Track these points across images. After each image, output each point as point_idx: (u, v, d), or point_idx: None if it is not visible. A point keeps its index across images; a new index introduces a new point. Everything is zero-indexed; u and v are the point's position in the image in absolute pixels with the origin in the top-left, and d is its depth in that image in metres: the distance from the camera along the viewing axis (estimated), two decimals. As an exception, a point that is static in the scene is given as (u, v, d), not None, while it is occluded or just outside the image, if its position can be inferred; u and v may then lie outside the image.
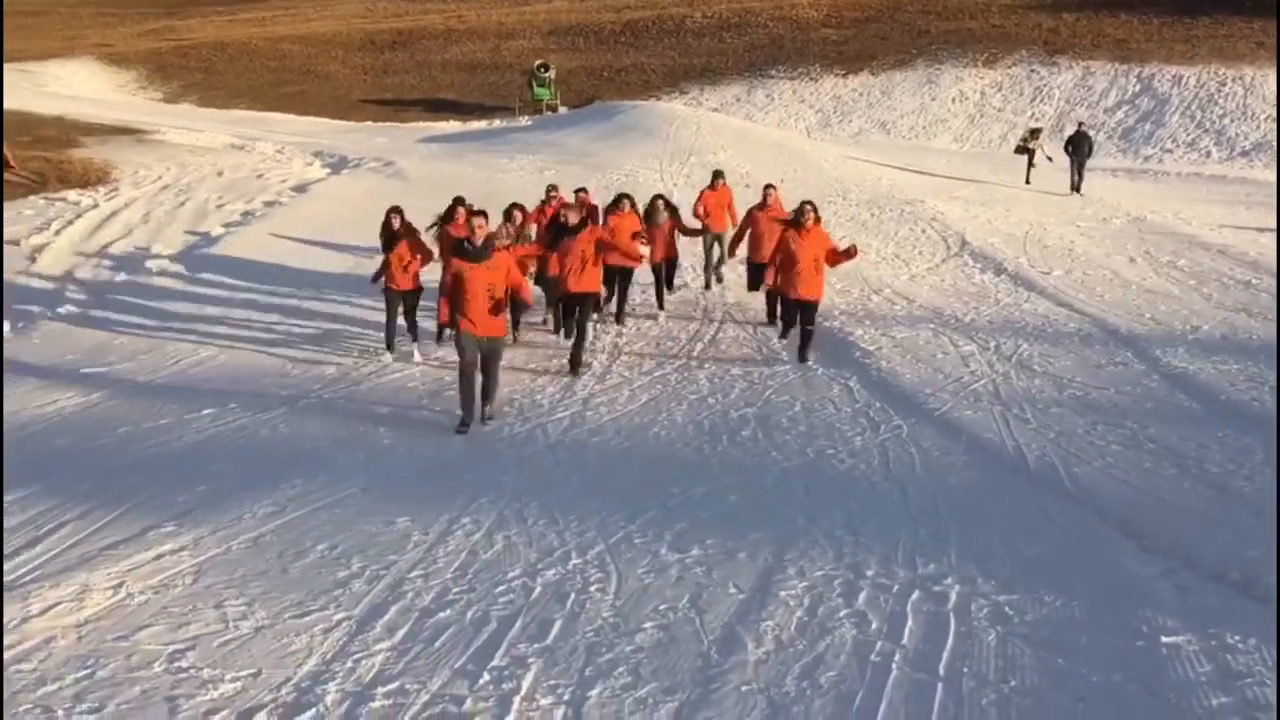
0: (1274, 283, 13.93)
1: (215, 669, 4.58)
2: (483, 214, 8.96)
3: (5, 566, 5.68)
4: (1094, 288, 14.27)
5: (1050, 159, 24.08)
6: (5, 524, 6.32)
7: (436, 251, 11.33)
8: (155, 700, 4.32)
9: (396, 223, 11.31)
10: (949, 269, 15.48)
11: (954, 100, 36.12)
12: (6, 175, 19.66)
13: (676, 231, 13.17)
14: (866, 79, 38.57)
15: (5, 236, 16.14)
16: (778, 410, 8.76)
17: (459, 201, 12.17)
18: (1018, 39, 38.59)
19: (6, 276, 14.07)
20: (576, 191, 13.91)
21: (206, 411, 8.90)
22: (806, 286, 10.27)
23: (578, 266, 10.28)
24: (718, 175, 14.89)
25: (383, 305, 11.16)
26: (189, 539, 6.06)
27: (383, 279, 11.09)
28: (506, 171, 22.73)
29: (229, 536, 6.11)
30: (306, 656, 4.70)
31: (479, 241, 8.41)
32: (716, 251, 14.35)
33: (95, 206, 18.40)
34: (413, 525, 6.27)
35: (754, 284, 12.76)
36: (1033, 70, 36.70)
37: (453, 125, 37.23)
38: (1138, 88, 34.04)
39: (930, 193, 21.66)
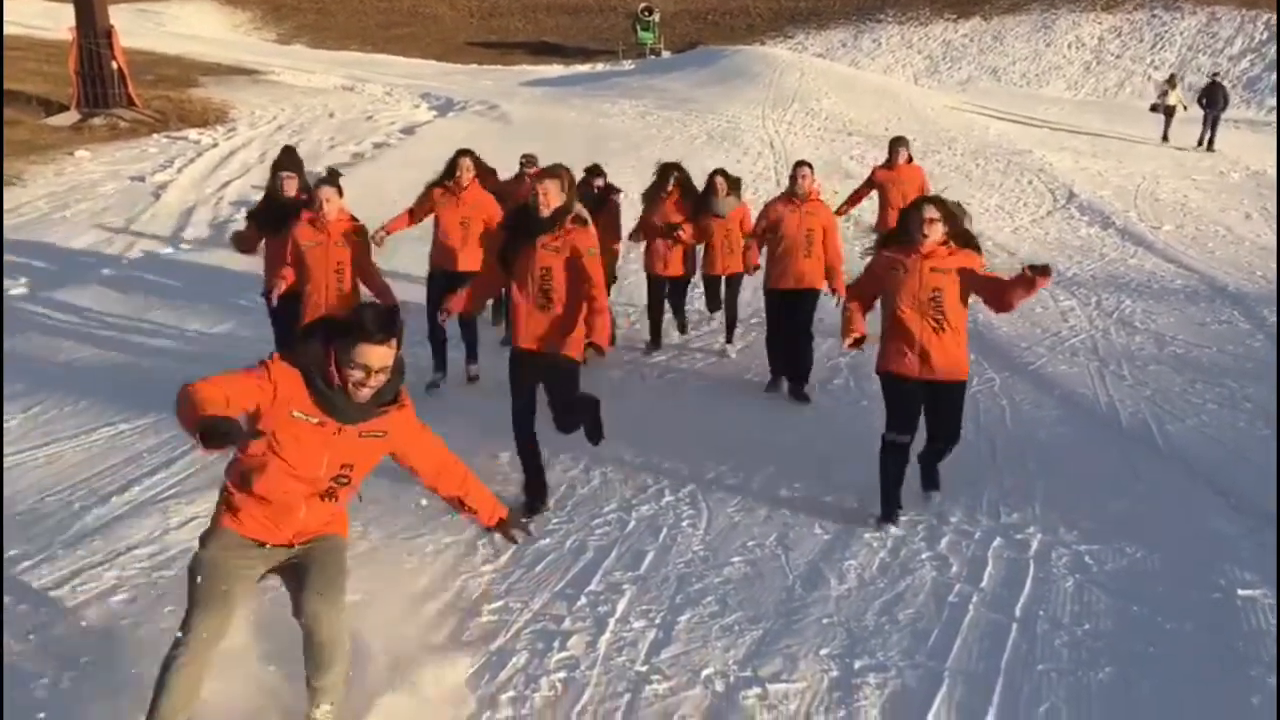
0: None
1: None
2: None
3: (146, 482, 6.19)
4: (1205, 244, 13.97)
5: (1185, 108, 23.22)
6: (145, 443, 6.84)
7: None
8: (280, 609, 4.73)
9: (292, 189, 7.69)
10: (1054, 222, 15.27)
11: (1069, 46, 35.09)
12: (133, 113, 20.53)
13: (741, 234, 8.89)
14: (978, 24, 37.64)
15: (131, 172, 16.94)
16: (868, 362, 8.84)
17: (464, 152, 8.38)
18: (1140, -18, 37.19)
19: (133, 212, 14.81)
20: (523, 161, 10.13)
21: (322, 346, 9.35)
22: (931, 355, 5.50)
23: (532, 300, 5.76)
24: (899, 145, 10.45)
25: None
26: (309, 464, 6.47)
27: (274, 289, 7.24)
28: (609, 116, 22.88)
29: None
30: (418, 575, 5.07)
31: (369, 324, 3.44)
32: None
33: (215, 145, 19.11)
34: (516, 459, 6.59)
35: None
36: (1154, 15, 35.41)
37: (556, 69, 37.42)
38: (1265, 35, 32.65)
39: (1039, 143, 21.23)
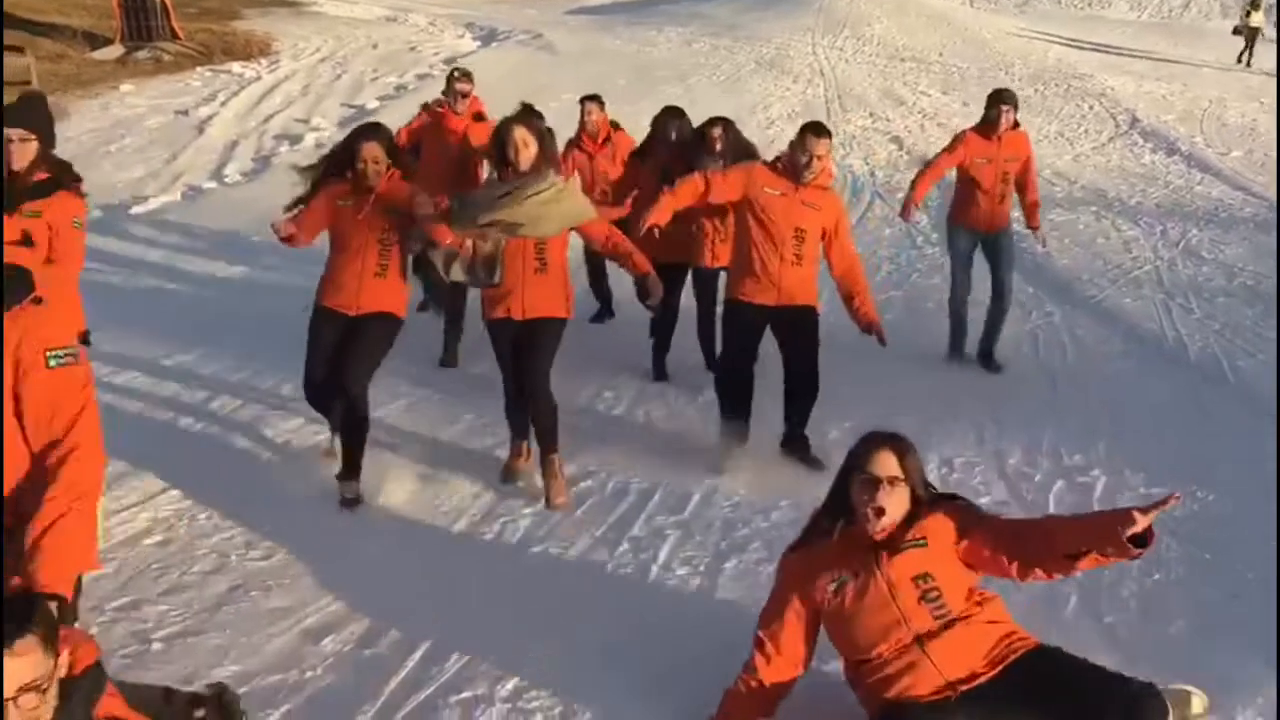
0: None
1: (376, 520, 4.87)
2: None
3: (183, 422, 6.11)
4: (1275, 169, 13.43)
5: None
6: (184, 381, 6.76)
7: None
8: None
9: (24, 159, 4.19)
10: (1116, 148, 14.76)
11: (1133, -36, 33.80)
12: (177, 47, 20.38)
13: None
14: (1038, -58, 36.33)
15: (175, 106, 16.85)
16: (923, 294, 8.60)
17: (365, 135, 5.19)
18: (1210, -104, 35.58)
19: (177, 146, 14.74)
20: (453, 76, 7.64)
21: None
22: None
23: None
24: (1002, 101, 6.78)
25: None
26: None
27: None
28: (655, 45, 22.43)
29: (385, 400, 6.34)
30: (457, 517, 4.94)
31: None
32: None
33: (258, 79, 18.94)
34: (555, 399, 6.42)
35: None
36: (1223, -70, 33.95)
37: (602, -4, 36.74)
38: (1343, -50, 31.15)
39: (1101, 67, 20.51)
